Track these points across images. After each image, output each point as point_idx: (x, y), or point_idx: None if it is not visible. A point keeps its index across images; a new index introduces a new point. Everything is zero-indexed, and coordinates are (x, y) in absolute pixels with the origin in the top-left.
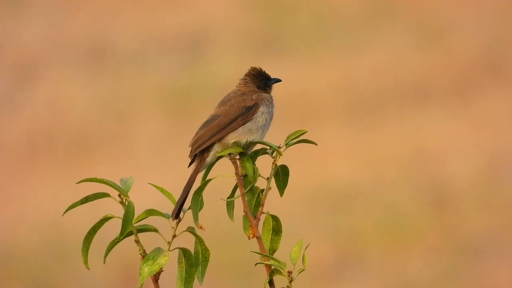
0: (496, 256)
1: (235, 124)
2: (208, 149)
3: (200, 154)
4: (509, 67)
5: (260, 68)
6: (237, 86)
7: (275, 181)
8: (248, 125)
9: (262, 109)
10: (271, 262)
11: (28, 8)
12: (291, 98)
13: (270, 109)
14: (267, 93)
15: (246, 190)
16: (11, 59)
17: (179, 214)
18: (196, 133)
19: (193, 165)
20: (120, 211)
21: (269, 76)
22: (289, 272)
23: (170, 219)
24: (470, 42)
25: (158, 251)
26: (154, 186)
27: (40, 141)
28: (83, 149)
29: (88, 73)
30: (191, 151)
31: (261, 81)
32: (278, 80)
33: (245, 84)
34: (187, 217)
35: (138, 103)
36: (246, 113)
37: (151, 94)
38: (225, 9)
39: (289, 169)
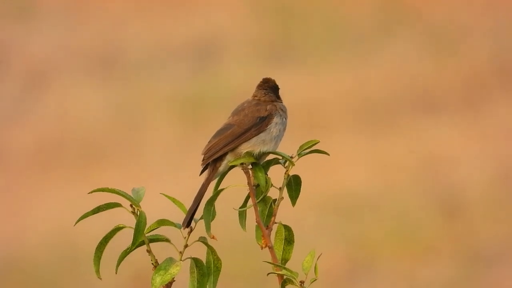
0: (507, 263)
1: (249, 134)
2: (220, 158)
3: (212, 163)
4: None
5: (274, 79)
6: (255, 96)
7: (288, 191)
8: (262, 135)
9: (276, 119)
10: (283, 272)
11: (39, 17)
12: (302, 106)
13: (284, 119)
14: (281, 102)
15: (258, 200)
16: (21, 67)
17: (190, 223)
18: (209, 142)
19: (205, 174)
20: (131, 221)
21: (278, 86)
22: (302, 282)
23: (182, 229)
24: (481, 51)
25: (170, 261)
26: (166, 196)
27: (50, 149)
28: (94, 157)
29: (98, 81)
30: (203, 160)
31: (276, 91)
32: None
33: (266, 94)
34: (198, 226)
35: (149, 111)
36: (260, 124)
37: (161, 102)
38: (235, 17)
39: (301, 179)
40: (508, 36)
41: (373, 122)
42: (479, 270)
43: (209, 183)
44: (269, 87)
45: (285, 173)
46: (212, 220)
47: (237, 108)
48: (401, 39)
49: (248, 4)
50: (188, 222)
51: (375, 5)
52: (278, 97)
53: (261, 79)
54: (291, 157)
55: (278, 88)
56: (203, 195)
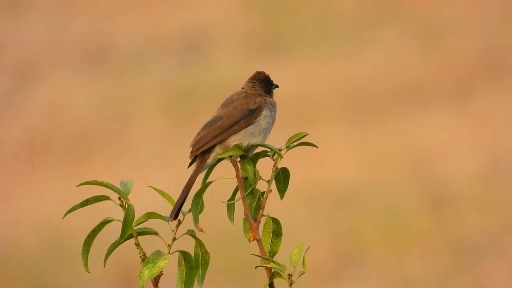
0: (496, 256)
1: (238, 127)
2: (209, 150)
3: (201, 155)
4: (508, 67)
5: (265, 73)
6: (243, 88)
7: (276, 183)
8: (251, 128)
9: (265, 112)
10: (271, 265)
11: (29, 10)
12: (292, 99)
13: (273, 113)
14: (271, 97)
15: (246, 193)
16: (11, 60)
17: (178, 215)
18: (198, 134)
19: (193, 166)
20: (119, 214)
21: (272, 81)
22: (290, 275)
23: (170, 222)
24: (469, 42)
25: (158, 254)
26: (154, 189)
27: (40, 142)
28: (83, 150)
29: (88, 74)
30: (192, 152)
31: (266, 86)
32: (276, 86)
33: (252, 87)
34: (187, 219)
35: (138, 104)
36: (248, 116)
37: (151, 95)
38: (225, 10)
39: (289, 171)
40: (496, 28)
41: (362, 114)
42: (467, 263)
43: (197, 175)
44: (257, 80)
45: (273, 166)
46: (200, 213)
47: (226, 100)
48: (390, 31)
49: None
50: (175, 214)
51: None
52: (269, 91)
53: (254, 72)
54: (280, 150)
55: (272, 84)
56: (191, 187)
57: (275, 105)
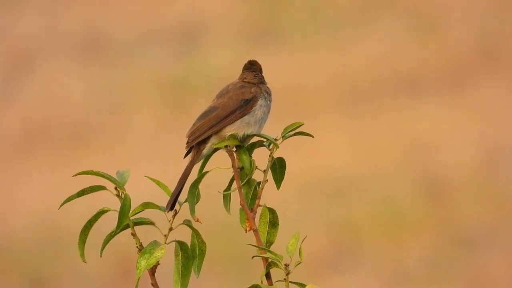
0: (492, 247)
1: (233, 117)
2: (204, 141)
3: (196, 145)
4: (503, 56)
5: (258, 61)
6: (244, 79)
7: (272, 173)
8: (246, 118)
9: (260, 102)
10: (268, 255)
11: (24, 0)
12: (286, 89)
13: (268, 102)
14: (266, 85)
15: (242, 183)
16: (6, 51)
17: (174, 206)
18: (194, 125)
19: (189, 156)
20: (116, 204)
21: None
22: (286, 265)
23: (166, 212)
24: (465, 32)
25: (154, 244)
26: (151, 179)
27: (35, 132)
28: (78, 140)
29: (83, 64)
30: (187, 143)
31: (261, 74)
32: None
33: (255, 77)
34: (183, 210)
35: (133, 94)
36: (244, 106)
37: (146, 85)
38: (220, 0)
39: (286, 161)
40: (491, 17)
41: (358, 104)
42: (464, 253)
43: (193, 166)
44: (252, 69)
45: (269, 156)
46: (196, 203)
47: (222, 90)
48: (385, 21)
49: None
50: (172, 205)
51: None
52: (263, 80)
53: (247, 61)
54: (276, 140)
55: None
56: (187, 178)
57: (271, 93)
